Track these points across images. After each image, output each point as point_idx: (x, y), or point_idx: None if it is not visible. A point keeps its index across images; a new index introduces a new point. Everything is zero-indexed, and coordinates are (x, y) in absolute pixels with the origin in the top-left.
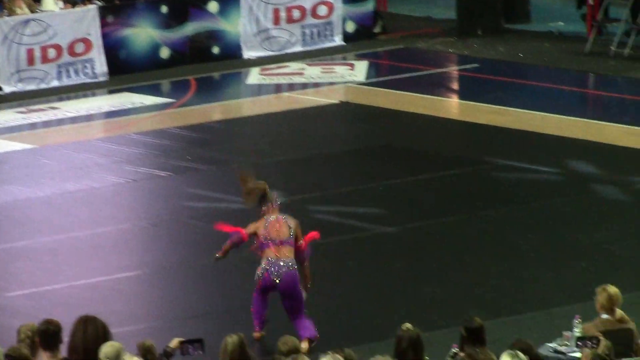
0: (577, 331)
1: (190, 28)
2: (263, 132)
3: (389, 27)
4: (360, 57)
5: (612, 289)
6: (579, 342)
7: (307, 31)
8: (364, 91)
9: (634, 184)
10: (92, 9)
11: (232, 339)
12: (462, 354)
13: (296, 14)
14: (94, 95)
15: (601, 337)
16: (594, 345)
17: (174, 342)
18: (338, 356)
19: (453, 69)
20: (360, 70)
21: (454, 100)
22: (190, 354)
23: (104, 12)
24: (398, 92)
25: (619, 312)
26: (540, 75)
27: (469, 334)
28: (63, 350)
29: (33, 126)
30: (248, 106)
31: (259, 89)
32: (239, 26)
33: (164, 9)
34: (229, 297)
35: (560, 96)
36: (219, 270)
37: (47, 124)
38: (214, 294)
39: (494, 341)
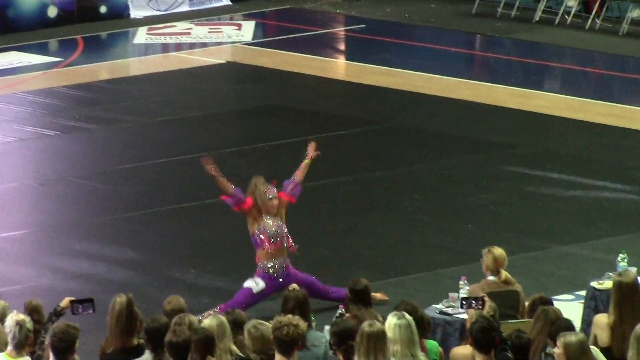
0: (463, 292)
1: None
2: (150, 91)
3: None
4: (248, 17)
5: (498, 251)
6: (463, 303)
7: None
8: (250, 51)
9: (519, 145)
10: None
11: (120, 299)
12: (348, 315)
13: None
14: None
15: (486, 298)
16: (479, 306)
17: (65, 302)
18: (220, 316)
19: (340, 30)
20: (247, 30)
21: (340, 61)
22: (80, 313)
23: None
24: (285, 52)
25: (504, 274)
26: (427, 36)
27: (354, 295)
28: None
29: None
30: (135, 66)
31: (146, 49)
32: None
33: None
34: (116, 257)
35: (447, 57)
36: (106, 229)
37: None
38: (101, 253)
39: (381, 302)
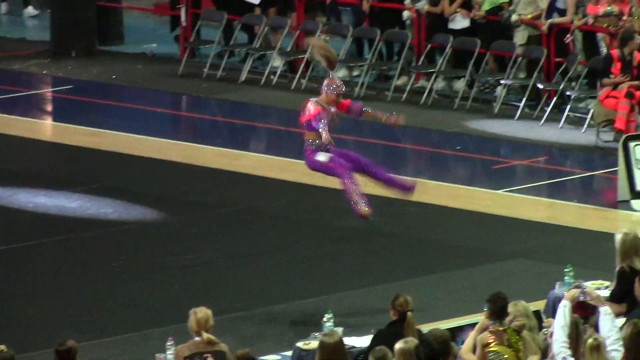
0: (169, 353)
1: None
2: None
3: None
4: None
5: (201, 312)
6: None
7: None
8: None
9: (225, 205)
10: None
11: None
12: None
13: None
14: None
15: (210, 358)
16: None
17: None
18: None
19: (47, 91)
20: None
21: (47, 122)
22: None
23: None
24: None
25: (205, 335)
26: (134, 96)
27: (58, 357)
28: None
29: None
30: None
31: None
32: None
33: None
34: None
35: (154, 118)
36: None
37: None
38: None
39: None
